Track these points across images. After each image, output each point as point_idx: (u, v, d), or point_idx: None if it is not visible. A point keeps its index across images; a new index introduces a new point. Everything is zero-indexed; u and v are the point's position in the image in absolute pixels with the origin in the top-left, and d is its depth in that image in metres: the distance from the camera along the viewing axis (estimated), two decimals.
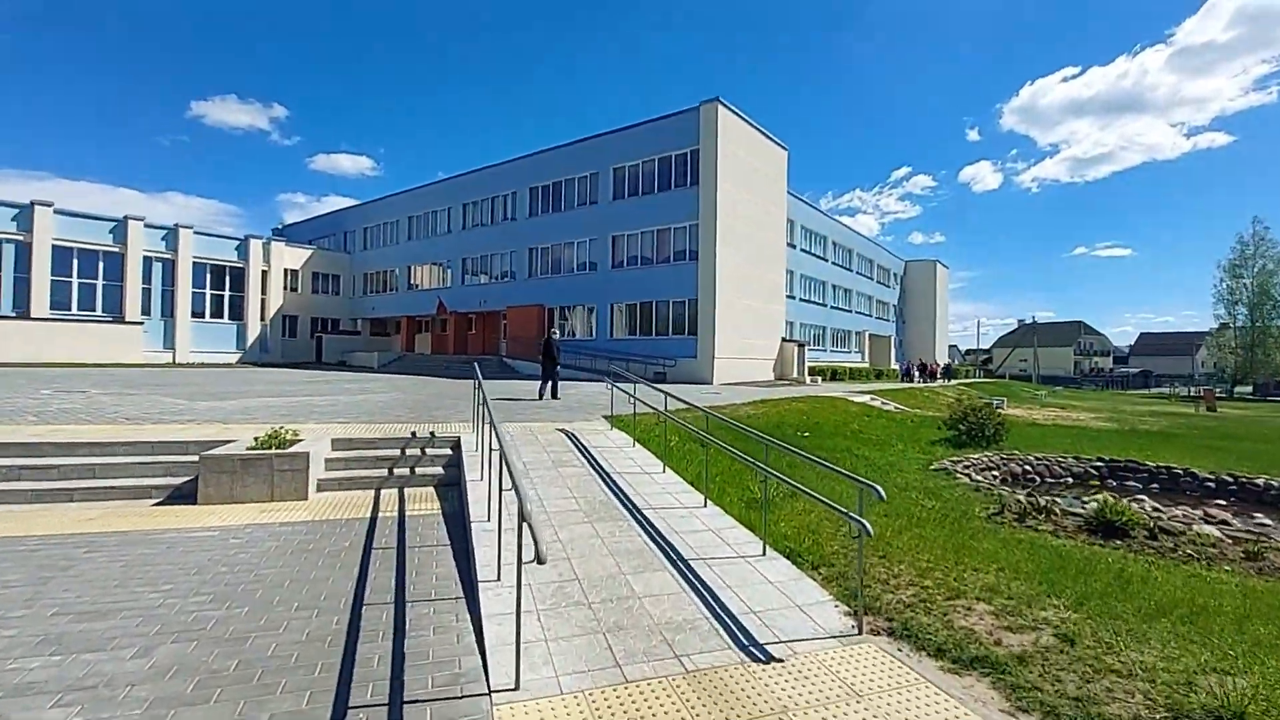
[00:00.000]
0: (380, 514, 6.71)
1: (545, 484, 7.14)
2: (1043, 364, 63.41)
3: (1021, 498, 7.84)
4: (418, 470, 8.05)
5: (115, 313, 33.55)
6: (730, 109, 27.09)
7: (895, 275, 54.15)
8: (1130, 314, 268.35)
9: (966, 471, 10.34)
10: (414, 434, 8.95)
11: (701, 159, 26.55)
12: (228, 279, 37.49)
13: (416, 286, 39.79)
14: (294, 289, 41.33)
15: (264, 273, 38.71)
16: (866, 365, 45.44)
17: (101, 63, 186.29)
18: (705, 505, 6.82)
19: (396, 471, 7.97)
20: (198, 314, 36.25)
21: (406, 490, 7.66)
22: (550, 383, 14.91)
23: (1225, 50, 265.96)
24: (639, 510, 6.45)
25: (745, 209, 28.27)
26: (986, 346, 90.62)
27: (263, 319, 38.61)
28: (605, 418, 11.41)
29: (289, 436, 7.83)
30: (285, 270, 40.52)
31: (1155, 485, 11.46)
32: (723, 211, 26.33)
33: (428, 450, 8.52)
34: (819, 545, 5.77)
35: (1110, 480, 11.63)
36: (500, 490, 5.05)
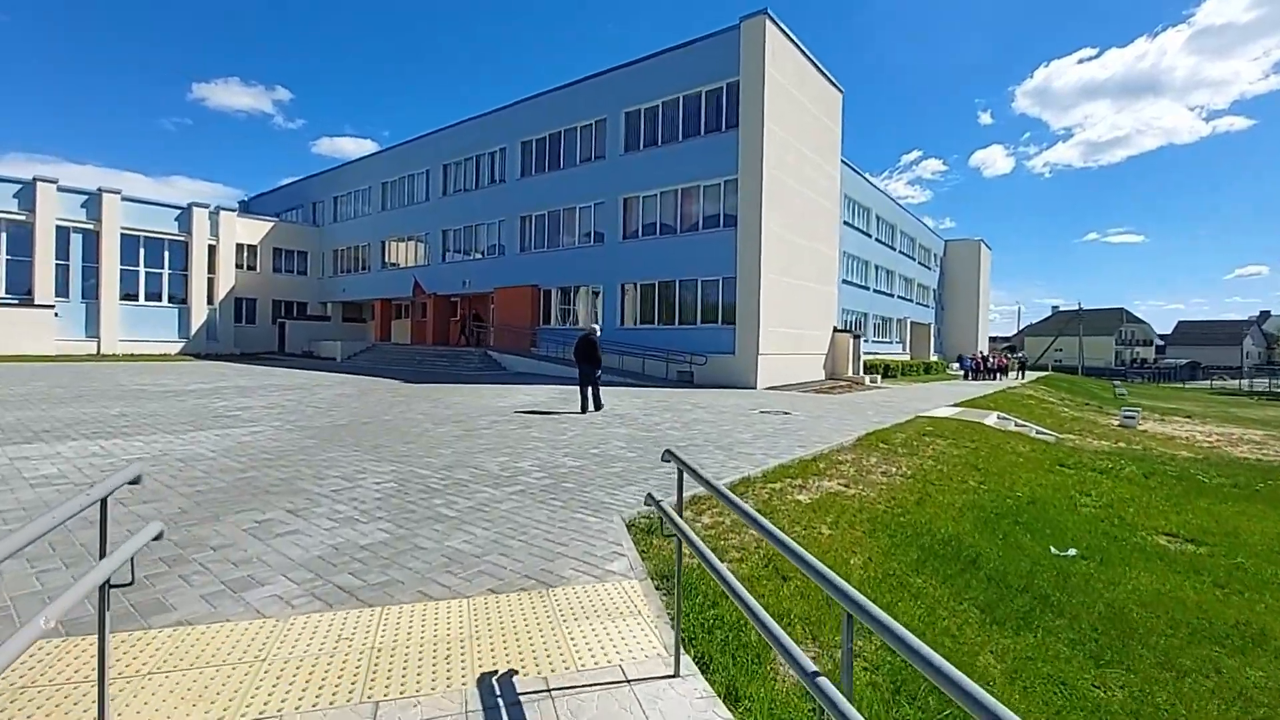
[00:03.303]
0: None
1: None
2: (1084, 354, 56.31)
3: None
4: None
5: (23, 293, 26.75)
6: (780, 28, 19.89)
7: (936, 256, 46.88)
8: (1140, 301, 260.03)
9: None
10: None
11: (743, 93, 19.41)
12: (167, 255, 30.55)
13: (393, 265, 32.83)
14: (251, 267, 34.33)
15: (212, 247, 31.72)
16: (908, 357, 38.53)
17: (97, 42, 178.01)
18: None
19: None
20: (129, 296, 29.37)
21: None
22: (591, 389, 11.63)
23: (1246, 31, 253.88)
24: None
25: (796, 162, 21.19)
26: (1008, 334, 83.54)
27: (210, 302, 31.70)
28: (641, 529, 4.60)
29: None
30: (240, 245, 33.50)
31: None
32: (770, 163, 19.28)
33: None
34: None
35: None
36: None
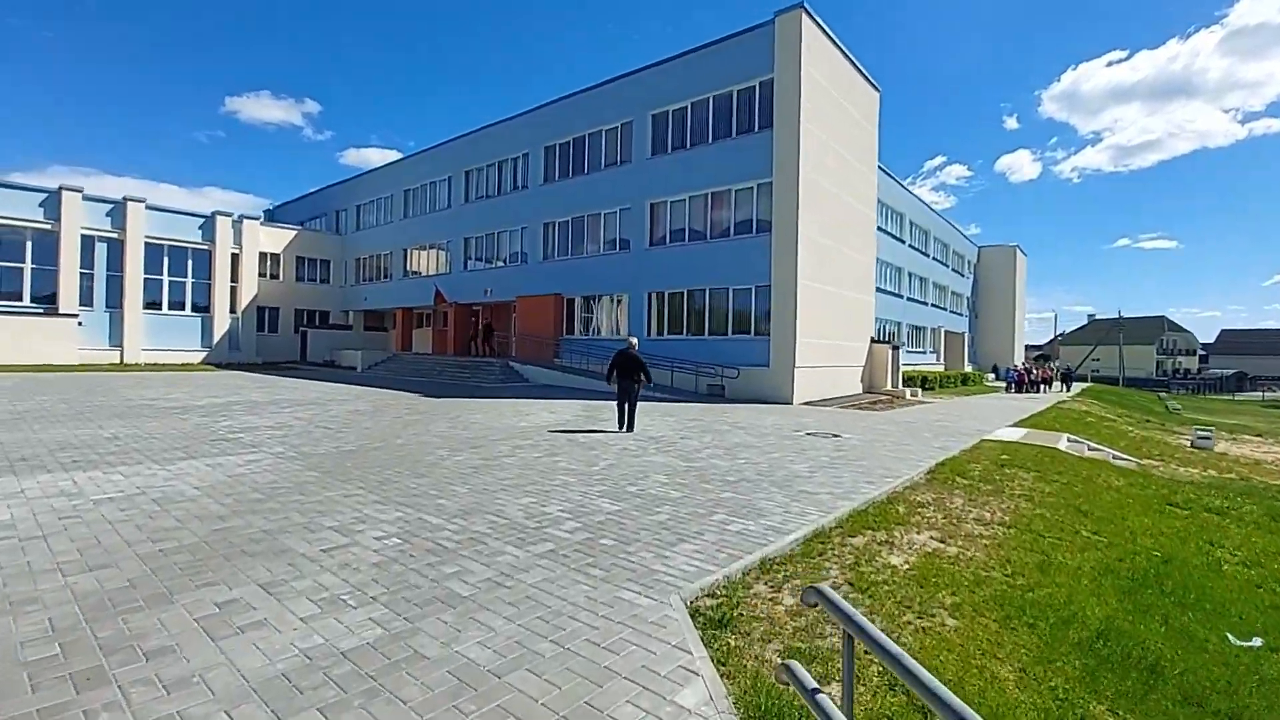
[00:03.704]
0: None
1: None
2: (1124, 364, 53.77)
3: None
4: None
5: (48, 302, 26.59)
6: (817, 22, 18.76)
7: (969, 263, 45.12)
8: (1174, 308, 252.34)
9: None
10: None
11: (777, 92, 18.30)
12: (190, 263, 30.27)
13: (415, 273, 32.20)
14: (275, 275, 34.01)
15: (235, 256, 31.40)
16: (942, 368, 36.88)
17: (134, 58, 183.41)
18: None
19: None
20: (152, 304, 29.11)
21: None
22: (629, 407, 10.87)
23: None
24: None
25: (833, 163, 19.98)
26: (1038, 343, 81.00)
27: (233, 311, 31.35)
28: (710, 618, 3.53)
29: None
30: (263, 254, 33.17)
31: None
32: (806, 165, 18.12)
33: None
34: None
35: None
36: None
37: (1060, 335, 75.29)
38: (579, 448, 9.09)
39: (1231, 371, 60.60)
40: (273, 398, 15.19)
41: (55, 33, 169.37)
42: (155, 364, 28.09)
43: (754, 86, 19.03)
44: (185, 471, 6.87)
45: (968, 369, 40.19)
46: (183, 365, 28.45)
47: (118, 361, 27.73)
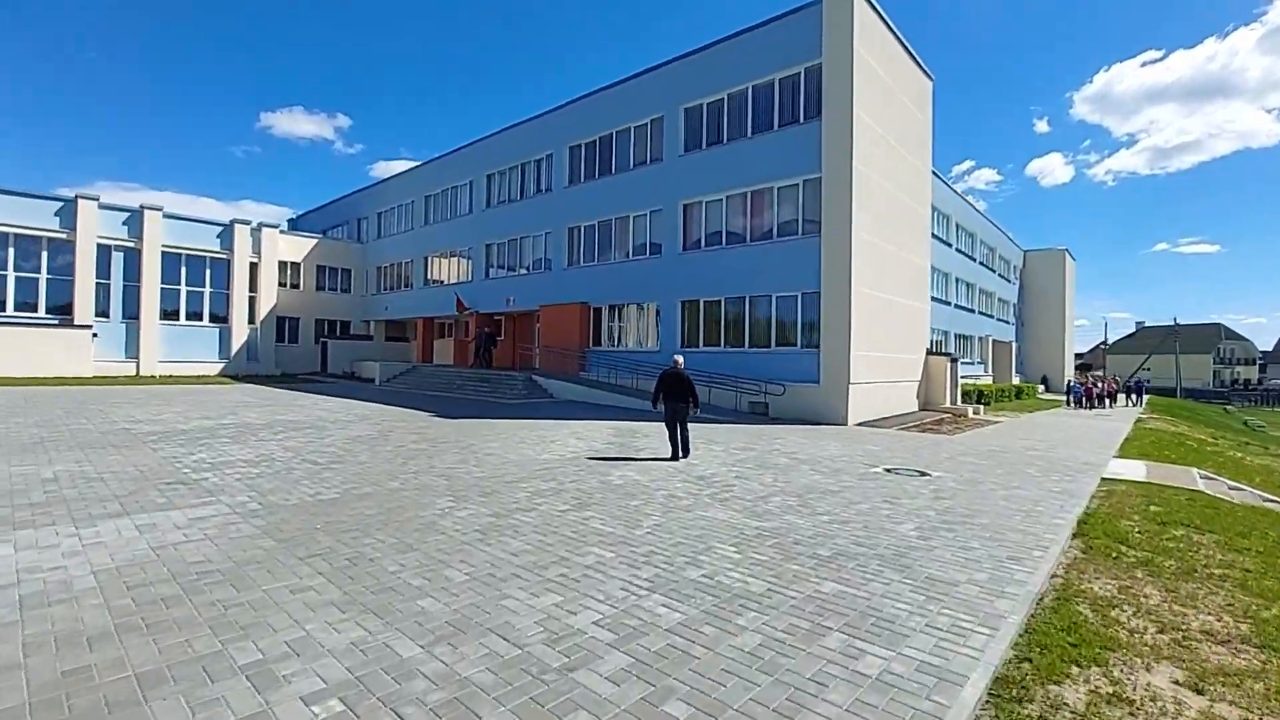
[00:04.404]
0: None
1: None
2: (1180, 374, 50.13)
3: None
4: None
5: (64, 313, 25.74)
6: (869, 0, 16.82)
7: (1015, 268, 42.34)
8: (1216, 315, 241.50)
9: None
10: None
11: (826, 78, 16.36)
12: (208, 273, 29.30)
13: (436, 281, 30.83)
14: (295, 285, 32.94)
15: (254, 265, 30.38)
16: (990, 379, 34.25)
17: (174, 77, 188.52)
18: None
19: None
20: (170, 315, 28.17)
21: None
22: (681, 432, 9.29)
23: None
24: None
25: (884, 157, 17.93)
26: (1079, 351, 76.98)
27: (252, 321, 30.29)
28: None
29: None
30: (282, 263, 32.13)
31: None
32: (860, 158, 16.12)
33: None
34: None
35: None
36: None
37: (1103, 344, 71.23)
38: (615, 494, 7.21)
39: None
40: (271, 419, 13.63)
41: (98, 53, 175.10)
42: (171, 376, 27.06)
43: (799, 73, 17.13)
44: (100, 539, 5.16)
45: (1016, 380, 37.44)
46: (199, 377, 27.38)
47: (134, 373, 26.76)
